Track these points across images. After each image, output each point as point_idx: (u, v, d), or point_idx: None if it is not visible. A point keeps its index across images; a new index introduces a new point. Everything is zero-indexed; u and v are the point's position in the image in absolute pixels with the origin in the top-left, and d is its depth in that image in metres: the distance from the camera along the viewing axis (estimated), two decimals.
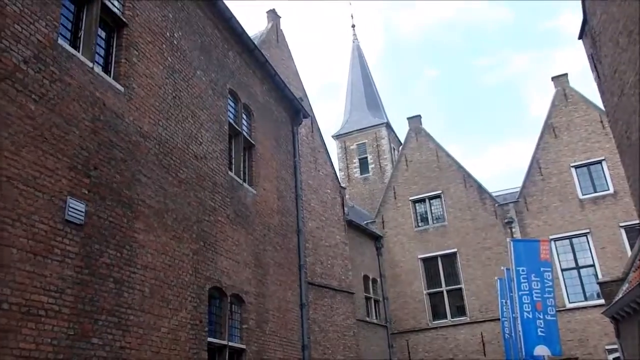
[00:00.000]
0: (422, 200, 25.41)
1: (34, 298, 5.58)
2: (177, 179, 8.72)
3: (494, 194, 24.68)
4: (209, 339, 8.83)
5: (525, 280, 12.63)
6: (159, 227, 7.99)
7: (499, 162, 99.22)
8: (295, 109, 14.76)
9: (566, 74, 24.13)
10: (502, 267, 17.05)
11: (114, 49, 7.95)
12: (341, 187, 22.22)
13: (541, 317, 12.37)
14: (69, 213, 6.23)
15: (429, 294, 24.03)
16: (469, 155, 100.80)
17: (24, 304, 5.43)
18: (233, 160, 11.21)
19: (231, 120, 11.21)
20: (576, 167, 22.44)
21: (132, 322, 7.01)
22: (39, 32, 6.24)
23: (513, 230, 22.55)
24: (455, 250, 23.85)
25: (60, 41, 6.64)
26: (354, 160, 36.62)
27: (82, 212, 6.45)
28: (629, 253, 18.14)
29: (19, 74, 5.88)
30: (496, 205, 23.61)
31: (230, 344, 9.55)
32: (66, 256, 6.11)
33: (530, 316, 12.40)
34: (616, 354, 18.82)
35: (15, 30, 5.91)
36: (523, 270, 12.70)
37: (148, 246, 7.63)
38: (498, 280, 17.83)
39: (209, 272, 9.13)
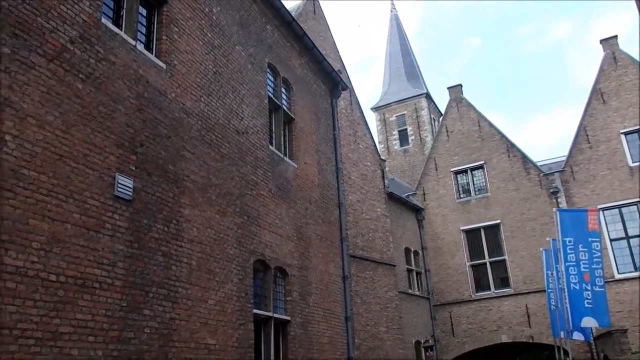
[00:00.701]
0: (463, 172, 25.00)
1: (88, 271, 5.79)
2: (220, 154, 8.82)
3: (538, 164, 24.05)
4: (255, 311, 9.01)
5: (572, 251, 12.35)
6: (204, 201, 8.13)
7: (543, 132, 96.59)
8: (334, 82, 14.66)
9: (615, 36, 22.98)
10: (547, 238, 16.69)
11: (155, 27, 8.02)
12: (381, 159, 22.09)
13: (589, 288, 12.10)
14: (118, 189, 6.41)
15: (472, 266, 23.80)
16: (513, 125, 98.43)
17: (79, 277, 5.65)
18: (274, 134, 11.26)
19: (271, 95, 11.23)
20: (626, 133, 21.59)
21: (180, 295, 7.21)
22: (83, 12, 6.35)
23: (559, 200, 21.99)
24: (498, 221, 23.46)
25: (104, 20, 6.75)
26: (394, 132, 36.28)
27: (130, 188, 6.62)
28: None
29: (66, 54, 6.01)
30: (541, 175, 23.02)
31: (276, 315, 9.73)
32: (117, 231, 6.30)
33: (578, 287, 12.14)
34: None
35: (61, 11, 6.03)
36: (570, 241, 12.41)
37: (194, 220, 7.79)
38: (543, 252, 17.50)
39: (252, 246, 9.28)
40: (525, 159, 23.82)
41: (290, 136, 11.94)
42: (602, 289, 12.17)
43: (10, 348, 4.79)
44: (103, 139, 6.34)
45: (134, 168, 6.78)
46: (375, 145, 22.04)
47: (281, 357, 9.80)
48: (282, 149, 11.42)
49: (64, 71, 5.92)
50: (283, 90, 11.98)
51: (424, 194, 25.36)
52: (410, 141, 35.53)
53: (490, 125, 25.08)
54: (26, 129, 5.33)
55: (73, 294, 5.54)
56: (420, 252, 24.13)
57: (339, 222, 13.31)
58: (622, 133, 21.63)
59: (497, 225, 23.50)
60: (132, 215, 6.60)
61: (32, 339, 5.02)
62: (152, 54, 7.71)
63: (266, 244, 9.74)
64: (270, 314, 9.56)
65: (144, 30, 7.83)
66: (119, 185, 6.43)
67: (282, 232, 10.42)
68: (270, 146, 10.72)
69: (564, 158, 23.05)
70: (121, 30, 7.14)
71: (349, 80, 19.74)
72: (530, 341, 21.90)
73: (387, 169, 24.83)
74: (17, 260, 4.99)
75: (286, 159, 11.38)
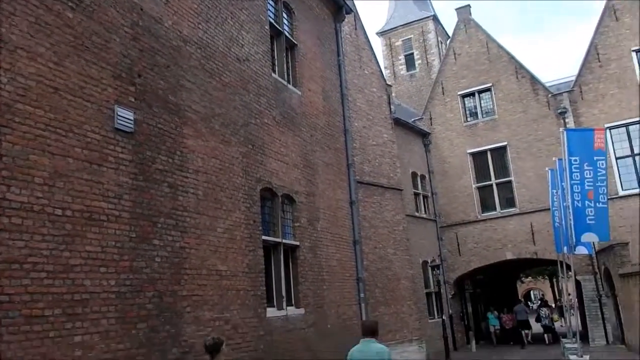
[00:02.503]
0: (471, 95, 24.60)
1: (95, 204, 5.83)
2: (221, 83, 8.66)
3: (548, 85, 23.58)
4: (264, 237, 9.15)
5: (578, 170, 12.33)
6: (207, 132, 8.06)
7: (562, 53, 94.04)
8: (338, 5, 14.14)
9: None
10: (553, 158, 16.61)
11: None
12: (387, 85, 21.71)
13: (592, 205, 12.21)
14: (118, 121, 6.33)
15: (478, 188, 23.94)
16: (528, 48, 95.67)
17: (85, 210, 5.69)
18: (276, 61, 11.00)
19: (272, 20, 10.88)
20: (637, 51, 20.94)
21: (189, 224, 7.29)
22: None
23: (566, 120, 21.69)
24: (505, 143, 23.35)
25: None
26: (400, 57, 35.43)
27: (131, 120, 6.54)
28: None
29: None
30: (549, 95, 22.64)
31: (284, 241, 9.89)
32: (120, 164, 6.28)
33: (581, 205, 12.25)
34: None
35: None
36: (575, 160, 12.36)
37: (198, 151, 7.76)
38: (549, 171, 17.48)
39: (259, 174, 9.29)
40: (533, 79, 23.36)
41: (293, 63, 11.66)
42: (605, 206, 12.26)
43: (22, 282, 4.89)
44: (99, 71, 6.20)
45: (133, 100, 6.67)
46: (380, 70, 21.60)
47: (292, 280, 10.05)
48: (286, 76, 11.19)
49: None
50: (284, 15, 11.59)
51: (431, 119, 25.12)
52: (417, 65, 34.75)
53: (499, 46, 24.42)
54: (17, 62, 5.18)
55: (81, 227, 5.60)
56: (427, 176, 24.22)
57: (345, 148, 13.25)
58: (633, 50, 20.97)
59: (504, 147, 23.42)
60: (135, 147, 6.56)
61: (44, 272, 5.11)
62: None
63: (272, 172, 9.75)
64: (279, 239, 9.71)
65: None
66: (119, 117, 6.34)
67: (288, 160, 10.40)
68: (272, 74, 10.50)
69: (574, 78, 22.54)
70: None
71: (353, 3, 19.05)
72: (535, 257, 22.49)
73: (393, 94, 24.44)
74: (20, 195, 5.00)
75: (290, 86, 11.17)
